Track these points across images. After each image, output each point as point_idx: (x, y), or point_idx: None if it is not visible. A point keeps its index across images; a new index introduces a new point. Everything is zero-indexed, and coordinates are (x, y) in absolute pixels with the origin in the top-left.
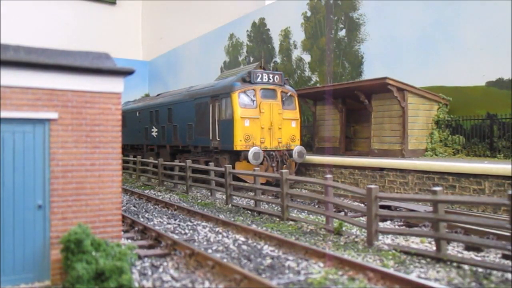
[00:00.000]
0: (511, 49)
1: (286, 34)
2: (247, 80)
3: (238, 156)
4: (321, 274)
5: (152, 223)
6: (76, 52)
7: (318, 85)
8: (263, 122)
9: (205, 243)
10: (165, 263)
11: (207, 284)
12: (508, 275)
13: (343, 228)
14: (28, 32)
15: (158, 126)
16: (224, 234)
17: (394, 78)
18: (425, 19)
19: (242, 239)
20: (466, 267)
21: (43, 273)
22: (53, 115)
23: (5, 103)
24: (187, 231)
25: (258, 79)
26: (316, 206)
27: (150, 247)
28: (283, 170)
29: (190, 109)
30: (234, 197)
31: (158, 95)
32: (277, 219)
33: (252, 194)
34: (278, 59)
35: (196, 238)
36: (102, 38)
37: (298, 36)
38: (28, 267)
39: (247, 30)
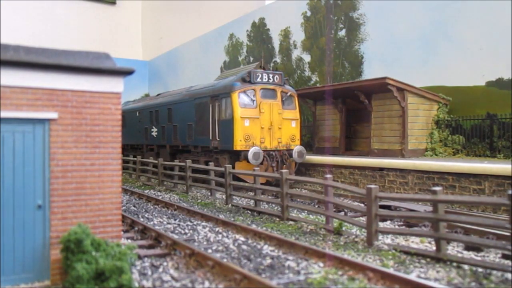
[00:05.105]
0: (511, 49)
1: (286, 34)
2: (247, 80)
3: (238, 156)
4: (321, 274)
5: (152, 223)
6: (76, 52)
7: (318, 85)
8: (263, 122)
9: (205, 243)
10: (165, 263)
11: (207, 284)
12: (508, 275)
13: (343, 228)
14: (28, 32)
15: (158, 126)
16: (224, 234)
17: (394, 78)
18: (425, 19)
19: (242, 239)
20: (466, 267)
21: (43, 273)
22: (53, 115)
23: (5, 103)
24: (187, 231)
25: (258, 79)
26: (316, 206)
27: (150, 247)
28: (283, 170)
29: (190, 109)
30: (234, 197)
31: (158, 95)
32: (277, 219)
33: (252, 194)
34: (278, 59)
35: (196, 238)
36: (102, 38)
37: (298, 36)
38: (28, 267)
39: (247, 30)
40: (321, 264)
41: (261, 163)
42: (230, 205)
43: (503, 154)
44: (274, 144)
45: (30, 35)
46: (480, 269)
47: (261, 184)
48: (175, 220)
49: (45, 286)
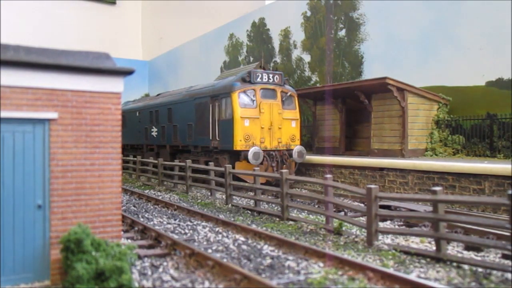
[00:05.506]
0: (511, 49)
1: (286, 34)
2: (247, 80)
3: (238, 156)
4: (321, 274)
5: (152, 223)
6: (76, 52)
7: (318, 85)
8: (263, 122)
9: (205, 243)
10: (165, 263)
11: (207, 284)
12: (508, 275)
13: (343, 228)
14: (28, 32)
15: (158, 126)
16: (224, 234)
17: (394, 78)
18: (425, 19)
19: (242, 239)
20: (466, 267)
21: (43, 273)
22: (53, 115)
23: (5, 103)
24: (187, 231)
25: (258, 79)
26: (316, 206)
27: (150, 247)
28: (283, 170)
29: (190, 109)
30: (234, 197)
31: (158, 95)
32: (277, 219)
33: (252, 194)
34: (278, 59)
35: (196, 238)
36: (102, 38)
37: (298, 36)
38: (28, 267)
39: (247, 30)
40: (321, 264)
41: (261, 163)
42: (230, 205)
43: (503, 154)
44: (274, 144)
45: (30, 35)
46: (480, 269)
47: (261, 184)
48: (175, 220)
49: (45, 286)
